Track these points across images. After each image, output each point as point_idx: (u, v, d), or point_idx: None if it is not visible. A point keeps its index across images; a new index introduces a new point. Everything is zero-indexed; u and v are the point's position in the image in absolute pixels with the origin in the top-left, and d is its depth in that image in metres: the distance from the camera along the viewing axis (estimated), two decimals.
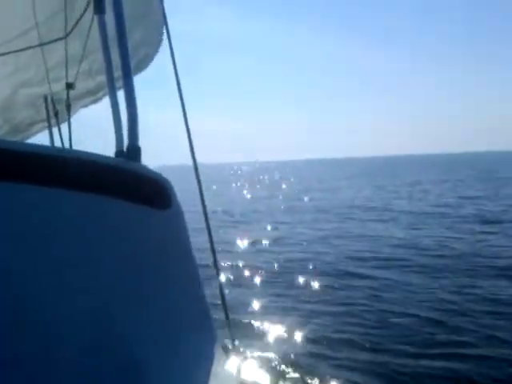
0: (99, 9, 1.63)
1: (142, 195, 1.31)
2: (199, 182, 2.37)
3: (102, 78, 3.75)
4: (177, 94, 2.68)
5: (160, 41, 3.07)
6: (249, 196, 32.68)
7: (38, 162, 1.19)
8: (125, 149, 1.67)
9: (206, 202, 2.33)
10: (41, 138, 4.43)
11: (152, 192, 1.32)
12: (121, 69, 1.43)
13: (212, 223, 2.31)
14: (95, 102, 3.93)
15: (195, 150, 2.46)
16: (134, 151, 1.36)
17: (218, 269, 1.97)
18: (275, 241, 14.18)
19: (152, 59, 3.43)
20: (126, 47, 1.42)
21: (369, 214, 19.94)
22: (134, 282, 1.38)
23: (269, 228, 17.10)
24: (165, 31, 2.93)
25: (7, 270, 1.21)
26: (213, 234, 2.20)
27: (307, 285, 8.95)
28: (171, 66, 2.87)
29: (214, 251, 1.97)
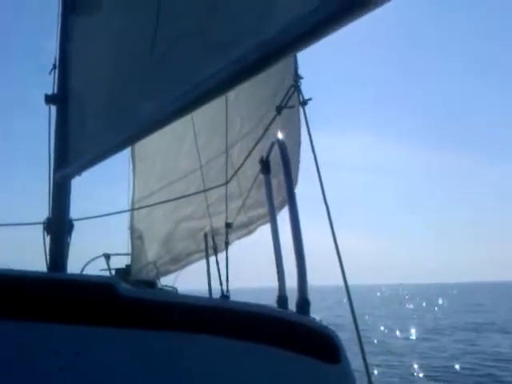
0: (266, 170, 1.89)
1: (312, 349, 1.37)
2: (351, 302, 2.32)
3: (255, 213, 4.08)
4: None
5: (296, 178, 3.33)
6: None
7: (222, 316, 1.34)
8: (285, 294, 1.77)
9: None
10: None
11: (322, 346, 1.38)
12: (290, 224, 1.57)
13: None
14: (248, 234, 4.25)
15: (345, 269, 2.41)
16: (304, 305, 1.45)
17: None
18: None
19: None
20: (294, 199, 1.57)
21: None
22: None
23: None
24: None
25: None
26: None
27: None
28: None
29: None
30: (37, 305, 1.29)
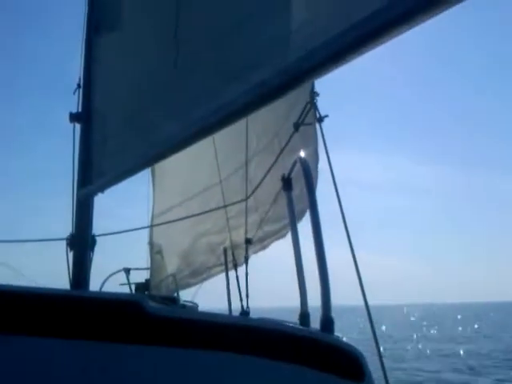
0: (288, 187, 1.92)
1: (337, 367, 1.38)
2: (371, 322, 2.28)
3: (270, 228, 4.11)
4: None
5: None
6: None
7: (254, 335, 1.36)
8: (307, 310, 1.79)
9: None
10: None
11: (347, 364, 1.39)
12: (313, 237, 1.59)
13: None
14: (263, 249, 4.26)
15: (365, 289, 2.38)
16: (328, 323, 1.46)
17: None
18: None
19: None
20: (317, 217, 1.59)
21: None
22: None
23: None
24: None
25: None
26: None
27: None
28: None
29: None
30: (65, 322, 1.32)
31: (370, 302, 2.34)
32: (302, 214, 3.58)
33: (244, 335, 1.37)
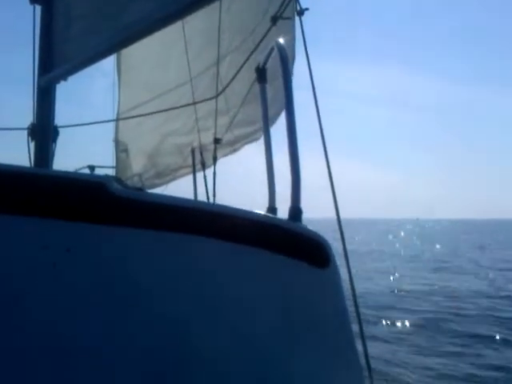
0: (262, 79, 1.84)
1: (303, 253, 1.41)
2: (343, 238, 2.33)
3: (241, 131, 4.05)
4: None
5: None
6: None
7: (225, 221, 1.36)
8: (275, 205, 1.80)
9: None
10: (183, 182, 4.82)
11: (312, 251, 1.42)
12: (287, 130, 1.54)
13: None
14: (233, 152, 4.24)
15: (339, 202, 2.40)
16: (296, 212, 1.47)
17: (361, 324, 1.99)
18: None
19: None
20: (293, 115, 1.54)
21: None
22: (288, 336, 1.47)
23: None
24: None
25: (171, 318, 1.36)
26: None
27: None
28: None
29: (356, 306, 2.01)
30: (26, 198, 1.27)
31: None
32: (276, 118, 3.53)
33: (211, 219, 1.37)
